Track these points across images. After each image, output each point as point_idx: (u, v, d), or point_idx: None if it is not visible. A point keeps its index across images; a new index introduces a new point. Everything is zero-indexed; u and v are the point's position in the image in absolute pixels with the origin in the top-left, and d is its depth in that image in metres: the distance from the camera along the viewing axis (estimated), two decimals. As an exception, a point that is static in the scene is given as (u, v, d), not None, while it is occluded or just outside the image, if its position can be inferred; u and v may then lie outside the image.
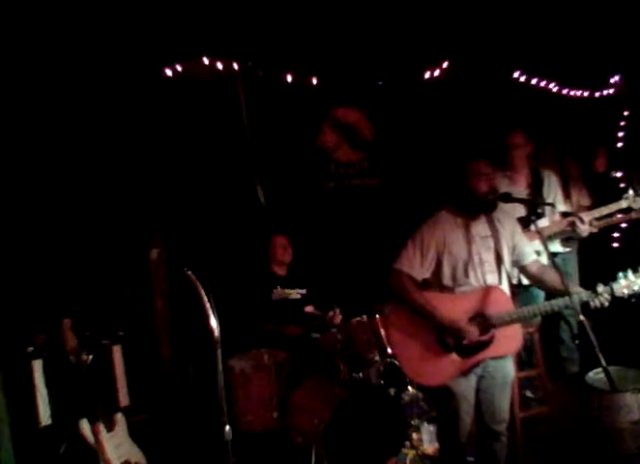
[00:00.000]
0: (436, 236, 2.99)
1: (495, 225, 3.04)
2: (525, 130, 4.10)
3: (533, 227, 3.74)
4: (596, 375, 3.44)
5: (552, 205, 3.86)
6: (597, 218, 3.83)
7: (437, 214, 3.08)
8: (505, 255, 3.02)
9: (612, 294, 2.81)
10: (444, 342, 2.93)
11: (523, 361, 3.93)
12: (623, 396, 3.26)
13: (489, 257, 3.00)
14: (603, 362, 2.62)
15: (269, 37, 4.50)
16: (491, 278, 2.99)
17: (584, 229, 3.79)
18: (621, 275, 2.85)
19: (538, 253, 3.79)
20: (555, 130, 4.88)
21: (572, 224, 3.80)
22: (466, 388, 2.97)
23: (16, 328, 3.50)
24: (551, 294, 3.06)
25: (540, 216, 3.82)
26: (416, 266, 2.98)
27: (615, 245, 4.92)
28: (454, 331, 2.88)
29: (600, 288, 2.83)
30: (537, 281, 3.15)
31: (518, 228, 3.13)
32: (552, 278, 3.00)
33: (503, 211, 3.08)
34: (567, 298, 2.80)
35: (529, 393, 4.03)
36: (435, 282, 3.04)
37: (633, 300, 2.84)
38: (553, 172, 4.12)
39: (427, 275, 3.03)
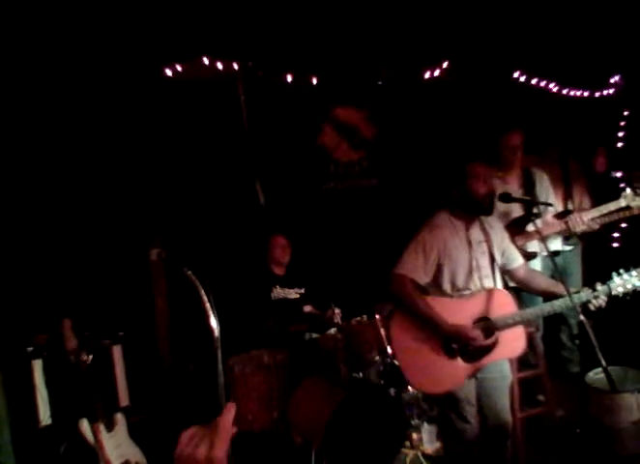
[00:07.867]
0: (437, 240, 2.96)
1: (487, 230, 3.05)
2: (524, 131, 4.07)
3: (530, 227, 3.76)
4: (595, 375, 3.45)
5: (551, 205, 3.85)
6: (597, 217, 3.77)
7: (435, 217, 3.06)
8: (497, 259, 3.04)
9: (609, 293, 2.82)
10: (450, 348, 2.90)
11: (524, 361, 3.92)
12: (623, 396, 3.26)
13: (485, 262, 3.01)
14: (603, 362, 2.61)
15: (269, 37, 4.49)
16: (487, 283, 3.00)
17: (579, 226, 3.70)
18: (614, 274, 2.86)
19: (535, 255, 3.80)
20: (555, 131, 4.87)
21: (566, 223, 3.73)
22: (469, 391, 2.97)
23: (16, 328, 3.49)
24: (544, 297, 3.06)
25: (538, 216, 3.77)
26: (419, 270, 2.95)
27: (615, 244, 4.92)
28: (459, 338, 2.85)
29: (599, 287, 2.83)
30: (524, 285, 3.16)
31: (506, 233, 3.15)
32: (539, 282, 3.05)
33: (492, 216, 3.10)
34: (567, 298, 2.79)
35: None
36: (434, 288, 3.02)
37: (628, 298, 2.84)
38: (544, 173, 4.08)
39: (428, 279, 3.00)
